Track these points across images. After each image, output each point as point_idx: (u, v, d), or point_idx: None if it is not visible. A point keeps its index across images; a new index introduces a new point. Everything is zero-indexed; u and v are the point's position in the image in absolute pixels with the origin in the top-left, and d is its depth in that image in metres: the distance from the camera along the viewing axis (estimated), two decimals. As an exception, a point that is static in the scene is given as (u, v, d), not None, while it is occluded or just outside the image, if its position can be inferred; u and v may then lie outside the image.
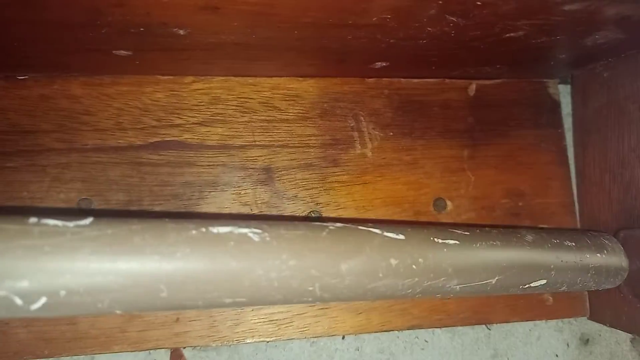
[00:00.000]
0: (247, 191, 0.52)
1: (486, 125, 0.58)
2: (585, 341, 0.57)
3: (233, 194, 0.51)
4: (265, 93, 0.54)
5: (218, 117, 0.53)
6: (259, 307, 0.33)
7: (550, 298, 0.54)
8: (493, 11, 0.38)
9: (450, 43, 0.45)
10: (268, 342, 0.51)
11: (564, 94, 0.62)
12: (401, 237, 0.34)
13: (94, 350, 0.47)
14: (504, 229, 0.42)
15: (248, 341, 0.49)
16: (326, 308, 0.50)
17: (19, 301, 0.25)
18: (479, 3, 0.36)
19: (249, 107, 0.53)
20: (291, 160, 0.53)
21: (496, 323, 0.54)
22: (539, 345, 0.55)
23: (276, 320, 0.49)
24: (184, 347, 0.50)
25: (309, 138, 0.54)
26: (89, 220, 0.27)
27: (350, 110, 0.55)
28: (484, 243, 0.37)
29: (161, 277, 0.27)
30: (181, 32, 0.39)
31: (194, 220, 0.30)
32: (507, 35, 0.43)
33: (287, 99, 0.54)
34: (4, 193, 0.48)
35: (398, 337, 0.53)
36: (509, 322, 0.54)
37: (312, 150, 0.54)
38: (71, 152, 0.50)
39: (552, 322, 0.56)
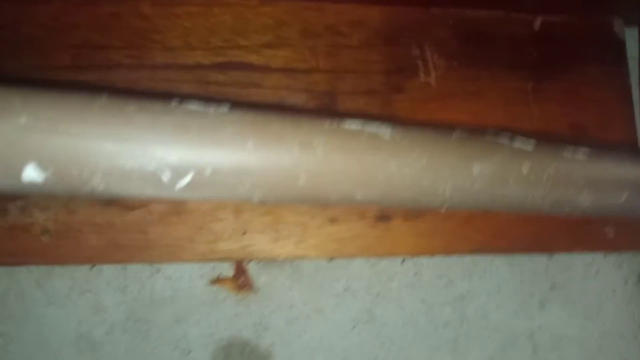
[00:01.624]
0: (311, 113, 0.52)
1: (550, 60, 0.57)
2: (644, 279, 0.56)
3: (298, 115, 0.52)
4: (330, 19, 0.54)
5: (283, 41, 0.53)
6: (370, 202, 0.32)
7: (612, 231, 0.54)
8: None
9: None
10: (331, 259, 0.51)
11: (629, 38, 0.61)
12: (529, 148, 0.34)
13: (162, 258, 0.48)
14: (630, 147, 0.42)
15: (312, 256, 0.49)
16: (389, 229, 0.51)
17: (166, 176, 0.25)
18: None
19: (313, 32, 0.53)
20: (355, 85, 0.53)
21: (557, 252, 0.54)
22: (597, 280, 0.55)
23: (340, 238, 0.50)
24: (249, 261, 0.51)
25: (373, 64, 0.54)
26: (227, 107, 0.27)
27: (415, 39, 0.55)
28: (613, 159, 0.37)
29: (300, 164, 0.27)
30: None
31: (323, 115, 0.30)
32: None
33: (351, 24, 0.54)
34: (77, 106, 0.49)
35: (457, 264, 0.53)
36: (570, 252, 0.53)
37: (376, 76, 0.54)
38: (140, 69, 0.50)
39: (611, 258, 0.56)
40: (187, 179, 0.26)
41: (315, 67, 0.53)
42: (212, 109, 0.27)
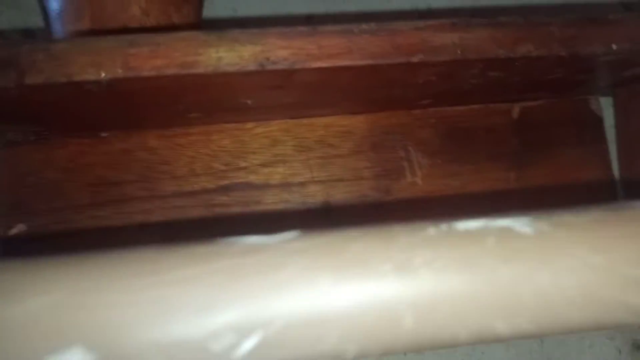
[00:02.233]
0: (309, 225, 0.57)
1: (531, 146, 0.61)
2: (637, 347, 0.59)
3: (295, 228, 0.57)
4: (319, 131, 0.59)
5: (279, 158, 0.58)
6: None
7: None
8: (531, 66, 0.41)
9: (493, 86, 0.49)
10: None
11: (606, 107, 0.64)
12: None
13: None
14: None
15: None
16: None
17: (225, 342, 0.19)
18: (517, 64, 0.39)
19: (305, 146, 0.58)
20: (347, 192, 0.58)
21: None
22: (592, 353, 0.59)
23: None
24: None
25: (362, 171, 0.58)
26: (294, 234, 0.22)
27: (400, 141, 0.59)
28: None
29: (400, 295, 0.20)
30: (249, 102, 0.44)
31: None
32: (547, 77, 0.46)
33: (339, 135, 0.59)
34: (98, 240, 0.55)
35: (455, 350, 0.57)
36: (561, 334, 0.57)
37: (366, 181, 0.58)
38: (153, 199, 0.56)
39: (604, 330, 0.59)
40: (250, 341, 0.19)
41: (309, 179, 0.58)
42: (274, 239, 0.21)
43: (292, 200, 0.57)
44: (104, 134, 0.57)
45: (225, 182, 0.57)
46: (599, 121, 0.63)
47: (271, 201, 0.57)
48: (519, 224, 0.21)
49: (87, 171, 0.56)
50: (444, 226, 0.21)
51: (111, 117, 0.53)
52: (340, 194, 0.58)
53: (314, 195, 0.57)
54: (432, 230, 0.21)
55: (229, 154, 0.57)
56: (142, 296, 0.20)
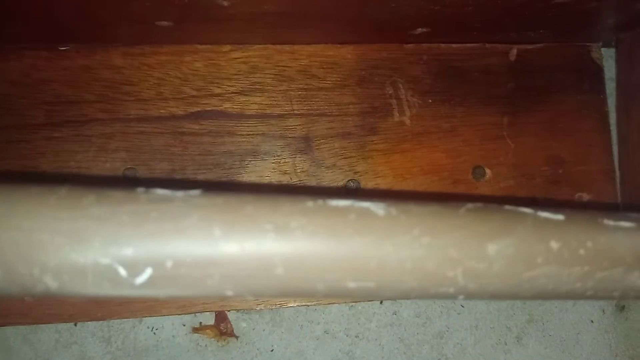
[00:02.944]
0: (287, 160, 0.52)
1: (527, 91, 0.57)
2: (620, 308, 0.57)
3: (273, 162, 0.52)
4: (302, 61, 0.54)
5: (256, 86, 0.53)
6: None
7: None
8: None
9: (496, 9, 0.44)
10: (309, 305, 0.52)
11: (606, 58, 0.61)
12: (560, 217, 0.28)
13: (143, 313, 0.49)
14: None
15: (290, 305, 0.50)
16: (365, 274, 0.51)
17: (123, 272, 0.23)
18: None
19: (286, 76, 0.53)
20: (329, 129, 0.53)
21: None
22: (575, 311, 0.56)
23: (317, 286, 0.51)
24: (229, 310, 0.52)
25: (347, 106, 0.54)
26: (198, 191, 0.25)
27: (389, 77, 0.55)
28: None
29: (275, 250, 0.24)
30: (225, 3, 0.39)
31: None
32: (556, 1, 0.42)
33: (324, 66, 0.54)
34: (53, 162, 0.50)
35: (434, 303, 0.54)
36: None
37: (350, 118, 0.54)
38: (115, 122, 0.51)
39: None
40: (145, 274, 0.23)
41: (289, 111, 0.53)
42: (180, 194, 0.25)
43: (269, 133, 0.52)
44: (63, 48, 0.51)
45: (196, 108, 0.52)
46: (599, 70, 0.59)
47: (246, 132, 0.52)
48: (375, 207, 0.25)
49: (43, 87, 0.50)
50: (320, 201, 0.25)
51: (72, 27, 0.47)
52: (321, 130, 0.53)
53: (294, 129, 0.53)
54: (310, 203, 0.25)
55: (201, 78, 0.52)
56: (52, 225, 0.23)
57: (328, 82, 0.54)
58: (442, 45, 0.56)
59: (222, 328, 0.52)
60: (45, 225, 0.23)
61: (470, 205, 0.27)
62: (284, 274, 0.24)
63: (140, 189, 0.25)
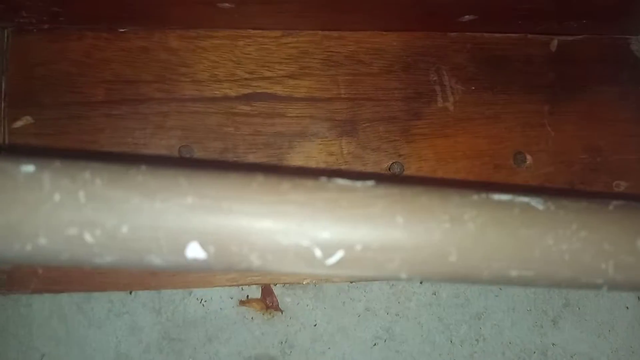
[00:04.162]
0: (333, 142, 0.54)
1: (567, 82, 0.58)
2: (656, 295, 0.58)
3: (320, 144, 0.54)
4: (350, 47, 0.56)
5: (305, 70, 0.55)
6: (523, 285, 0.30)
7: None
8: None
9: (533, 13, 0.46)
10: (351, 282, 0.54)
11: (646, 51, 0.62)
12: None
13: (195, 285, 0.51)
14: None
15: (334, 280, 0.52)
16: (408, 254, 0.53)
17: (318, 253, 0.25)
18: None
19: (335, 61, 0.55)
20: (375, 112, 0.55)
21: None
22: (610, 297, 0.57)
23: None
24: (275, 285, 0.54)
25: (392, 92, 0.55)
26: (372, 182, 0.27)
27: (433, 64, 0.56)
28: None
29: (451, 239, 0.26)
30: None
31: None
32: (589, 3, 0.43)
33: (371, 52, 0.56)
34: (111, 138, 0.52)
35: (474, 285, 0.56)
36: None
37: (395, 103, 0.55)
38: (170, 102, 0.53)
39: (625, 276, 0.57)
40: (338, 255, 0.25)
41: (337, 95, 0.55)
42: (359, 184, 0.27)
43: (317, 115, 0.54)
44: (122, 30, 0.53)
45: (248, 90, 0.54)
46: (637, 62, 0.60)
47: (295, 114, 0.54)
48: (534, 202, 0.27)
49: (103, 67, 0.52)
50: (483, 195, 0.27)
51: (132, 10, 0.50)
52: (367, 113, 0.55)
53: (340, 112, 0.55)
54: (475, 197, 0.27)
55: (253, 61, 0.54)
56: (259, 209, 0.25)
57: (374, 67, 0.56)
58: (486, 34, 0.58)
59: (267, 302, 0.54)
60: (253, 209, 0.25)
61: (616, 202, 0.29)
62: (456, 261, 0.26)
63: (324, 179, 0.27)
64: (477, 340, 0.55)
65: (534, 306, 0.56)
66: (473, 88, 0.57)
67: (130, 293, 0.52)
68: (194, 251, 0.25)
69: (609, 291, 0.30)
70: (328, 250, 0.25)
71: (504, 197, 0.27)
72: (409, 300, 0.55)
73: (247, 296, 0.54)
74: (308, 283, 0.53)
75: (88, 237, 0.23)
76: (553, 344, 0.56)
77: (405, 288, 0.55)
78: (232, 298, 0.53)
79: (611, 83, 0.59)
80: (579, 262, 0.27)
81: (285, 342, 0.54)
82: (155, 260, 0.24)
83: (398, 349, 0.54)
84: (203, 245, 0.25)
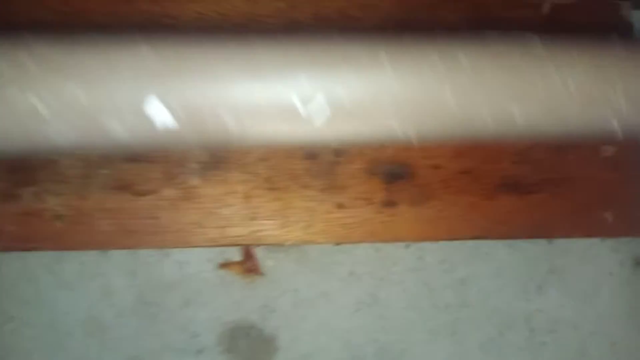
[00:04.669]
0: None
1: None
2: (639, 262, 0.58)
3: (306, 101, 0.52)
4: (341, 2, 0.53)
5: (295, 25, 0.52)
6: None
7: (611, 216, 0.55)
8: None
9: None
10: (336, 244, 0.52)
11: (636, 22, 0.61)
12: None
13: (173, 244, 0.49)
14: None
15: (319, 241, 0.50)
16: (395, 215, 0.51)
17: (301, 106, 0.23)
18: None
19: (325, 15, 0.53)
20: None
21: (556, 237, 0.55)
22: (595, 264, 0.57)
23: (347, 224, 0.51)
24: (257, 246, 0.52)
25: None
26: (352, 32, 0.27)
27: (425, 23, 0.54)
28: None
29: (446, 80, 0.24)
30: None
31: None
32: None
33: (363, 8, 0.53)
34: None
35: (459, 249, 0.55)
36: (569, 237, 0.55)
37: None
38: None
39: (609, 242, 0.57)
40: (324, 109, 0.23)
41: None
42: (337, 35, 0.25)
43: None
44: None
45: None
46: (628, 27, 0.60)
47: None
48: (530, 38, 0.29)
49: (83, 16, 0.49)
50: (475, 36, 0.28)
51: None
52: (355, 71, 0.53)
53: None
54: (466, 37, 0.28)
55: (241, 15, 0.51)
56: (234, 64, 0.23)
57: (366, 23, 0.53)
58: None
59: (248, 265, 0.52)
60: (222, 65, 0.24)
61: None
62: (455, 105, 0.24)
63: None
64: (461, 306, 0.54)
65: (519, 272, 0.56)
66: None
67: (106, 252, 0.49)
68: (158, 112, 0.22)
69: (623, 130, 0.26)
70: (312, 103, 0.23)
71: (499, 36, 0.26)
72: (394, 264, 0.54)
73: (227, 259, 0.52)
74: (291, 245, 0.51)
75: (42, 109, 0.21)
76: (538, 310, 0.55)
77: (390, 252, 0.54)
78: (210, 261, 0.51)
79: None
80: (587, 95, 0.25)
81: (266, 307, 0.52)
82: (117, 127, 0.22)
83: (381, 315, 0.53)
84: (169, 108, 0.22)
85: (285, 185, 0.50)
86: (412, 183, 0.51)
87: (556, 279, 0.56)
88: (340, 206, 0.51)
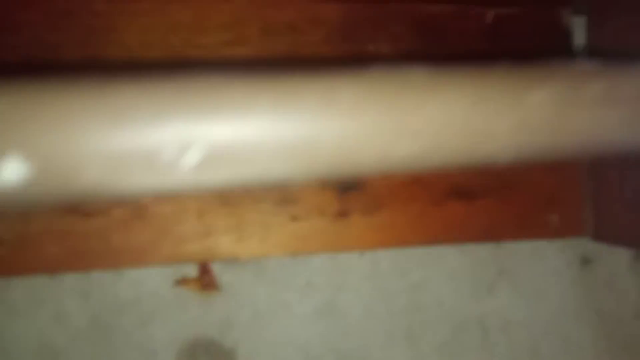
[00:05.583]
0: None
1: (501, 53, 0.59)
2: (586, 261, 0.60)
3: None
4: (289, 16, 0.54)
5: (243, 39, 0.52)
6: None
7: (556, 218, 0.57)
8: None
9: None
10: (292, 256, 0.53)
11: (578, 27, 0.64)
12: (595, 67, 0.27)
13: (126, 264, 0.48)
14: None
15: (275, 254, 0.51)
16: (348, 225, 0.52)
17: (169, 153, 0.21)
18: None
19: (273, 29, 0.53)
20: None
21: (504, 241, 0.57)
22: (543, 265, 0.59)
23: (301, 235, 0.51)
24: (213, 262, 0.52)
25: (331, 61, 0.54)
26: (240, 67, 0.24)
27: (372, 34, 0.55)
28: None
29: (323, 121, 0.23)
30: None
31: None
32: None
33: (310, 22, 0.54)
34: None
35: (412, 255, 0.56)
36: (516, 240, 0.57)
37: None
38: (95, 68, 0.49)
39: (556, 243, 0.59)
40: (193, 155, 0.21)
41: (275, 65, 0.53)
42: (223, 72, 0.23)
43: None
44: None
45: (181, 58, 0.51)
46: (568, 35, 0.62)
47: (231, 84, 0.52)
48: (416, 70, 0.24)
49: (23, 31, 0.48)
50: (360, 70, 0.24)
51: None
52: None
53: (278, 83, 0.53)
54: (351, 72, 0.23)
55: (188, 28, 0.51)
56: (91, 103, 0.20)
57: (313, 37, 0.54)
58: (422, 5, 0.57)
59: (205, 281, 0.52)
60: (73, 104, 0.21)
61: (506, 63, 0.26)
62: (333, 146, 0.23)
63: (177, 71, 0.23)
64: (416, 310, 0.56)
65: (470, 275, 0.57)
66: (410, 59, 0.56)
67: (52, 276, 0.48)
68: (11, 169, 0.19)
69: (509, 159, 0.26)
70: (181, 149, 0.21)
71: (384, 70, 0.24)
72: (350, 272, 0.55)
73: (183, 276, 0.51)
74: (247, 259, 0.51)
75: None
76: (490, 311, 0.57)
77: (345, 261, 0.55)
78: (166, 279, 0.51)
79: (542, 54, 0.61)
80: (471, 125, 0.24)
81: (225, 321, 0.52)
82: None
83: (339, 322, 0.54)
84: (19, 159, 0.19)
85: (238, 199, 0.50)
86: (364, 193, 0.53)
87: (506, 280, 0.58)
88: (294, 218, 0.52)
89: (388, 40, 0.56)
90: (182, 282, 0.51)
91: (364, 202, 0.53)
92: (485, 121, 0.24)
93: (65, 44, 0.48)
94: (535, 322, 0.58)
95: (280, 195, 0.51)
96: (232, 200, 0.50)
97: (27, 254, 0.46)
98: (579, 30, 0.63)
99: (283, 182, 0.24)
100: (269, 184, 0.24)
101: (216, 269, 0.52)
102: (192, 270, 0.52)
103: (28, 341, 0.47)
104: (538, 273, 0.59)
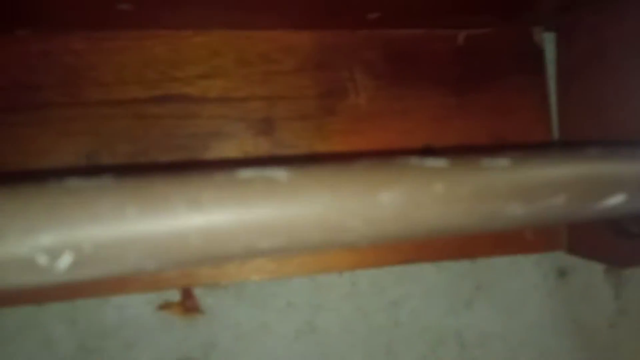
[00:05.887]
0: (249, 141, 0.54)
1: (473, 74, 0.61)
2: (562, 273, 0.62)
3: (235, 144, 0.54)
4: (262, 46, 0.56)
5: (218, 70, 0.54)
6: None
7: (531, 233, 0.59)
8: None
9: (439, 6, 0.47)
10: (271, 279, 0.55)
11: (548, 42, 0.65)
12: (442, 164, 0.30)
13: (107, 292, 0.50)
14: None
15: (253, 279, 0.53)
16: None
17: (43, 260, 0.24)
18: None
19: (247, 60, 0.55)
20: (290, 110, 0.55)
21: (480, 257, 0.59)
22: (519, 279, 0.60)
23: (279, 259, 0.53)
24: (194, 287, 0.54)
25: (305, 89, 0.56)
26: (110, 177, 0.26)
27: (344, 61, 0.57)
28: (541, 160, 0.32)
29: (187, 223, 0.25)
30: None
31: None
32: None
33: (283, 51, 0.56)
34: (13, 147, 0.50)
35: (390, 273, 0.58)
36: (492, 256, 0.58)
37: (309, 100, 0.56)
38: (75, 107, 0.51)
39: (532, 257, 0.61)
40: (66, 259, 0.24)
41: (250, 94, 0.55)
42: (92, 182, 0.26)
43: (231, 115, 0.54)
44: (21, 32, 0.51)
45: (158, 92, 0.53)
46: (539, 53, 0.63)
47: (208, 115, 0.54)
48: (277, 174, 0.27)
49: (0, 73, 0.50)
50: (227, 173, 0.27)
51: (29, 11, 0.48)
52: (282, 112, 0.55)
53: (255, 112, 0.55)
54: (218, 176, 0.26)
55: (163, 62, 0.53)
56: None
57: (287, 66, 0.56)
58: (393, 31, 0.59)
59: (187, 305, 0.54)
60: None
61: (363, 161, 0.29)
62: (198, 243, 0.26)
63: (52, 181, 0.26)
64: (394, 326, 0.57)
65: (447, 290, 0.59)
66: (383, 84, 0.58)
67: (39, 305, 0.51)
68: None
69: (367, 244, 0.31)
70: (53, 255, 0.23)
71: (248, 173, 0.27)
72: (329, 292, 0.56)
73: (166, 300, 0.53)
74: (227, 284, 0.53)
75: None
76: (467, 326, 0.58)
77: (325, 281, 0.56)
78: (150, 303, 0.53)
79: (515, 73, 0.62)
80: (325, 223, 0.27)
81: (208, 343, 0.54)
82: None
83: (319, 341, 0.56)
84: None
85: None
86: (338, 217, 0.54)
87: (483, 295, 0.59)
88: (272, 242, 0.53)
89: (361, 65, 0.58)
90: (165, 306, 0.53)
91: (338, 224, 0.54)
92: (340, 219, 0.27)
93: (45, 84, 0.50)
94: (512, 334, 0.59)
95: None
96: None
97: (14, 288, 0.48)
98: (549, 47, 0.65)
99: (156, 272, 0.27)
100: (144, 274, 0.27)
101: (198, 292, 0.54)
102: (175, 295, 0.54)
103: (17, 368, 0.49)
104: (515, 286, 0.60)
